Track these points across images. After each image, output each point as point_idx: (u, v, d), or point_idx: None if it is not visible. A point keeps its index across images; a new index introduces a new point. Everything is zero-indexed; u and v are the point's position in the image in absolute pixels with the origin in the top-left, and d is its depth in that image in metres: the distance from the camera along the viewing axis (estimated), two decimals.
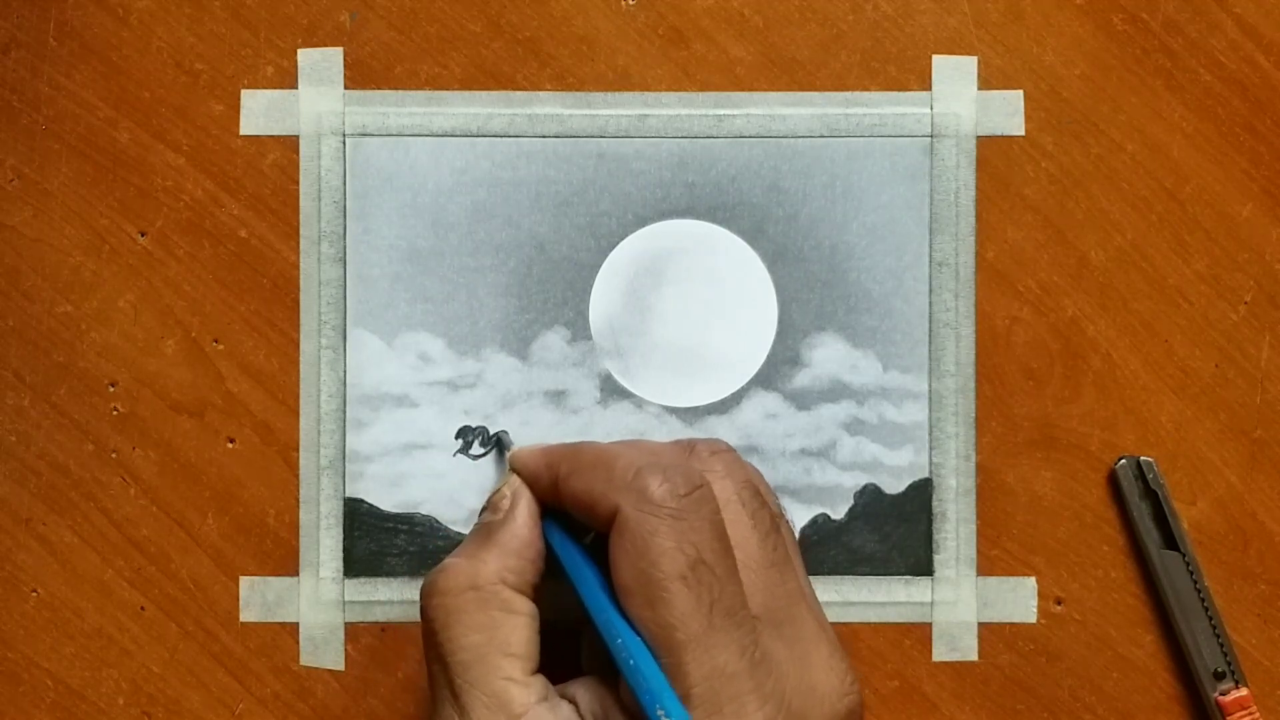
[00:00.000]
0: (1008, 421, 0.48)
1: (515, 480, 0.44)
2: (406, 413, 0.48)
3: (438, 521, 0.48)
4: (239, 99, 0.49)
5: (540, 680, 0.41)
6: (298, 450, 0.48)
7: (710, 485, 0.41)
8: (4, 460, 0.48)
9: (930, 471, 0.48)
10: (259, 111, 0.48)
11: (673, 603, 0.39)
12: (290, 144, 0.49)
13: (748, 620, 0.40)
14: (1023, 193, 0.49)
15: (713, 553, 0.39)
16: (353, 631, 0.48)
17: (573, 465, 0.42)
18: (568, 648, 0.43)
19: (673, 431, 0.48)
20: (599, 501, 0.41)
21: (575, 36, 0.49)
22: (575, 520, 0.43)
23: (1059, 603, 0.48)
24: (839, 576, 0.48)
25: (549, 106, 0.48)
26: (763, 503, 0.42)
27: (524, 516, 0.43)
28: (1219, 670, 0.48)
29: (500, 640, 0.41)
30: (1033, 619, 0.48)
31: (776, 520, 0.42)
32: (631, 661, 0.39)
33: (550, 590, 0.43)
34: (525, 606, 0.42)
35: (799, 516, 0.48)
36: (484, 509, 0.44)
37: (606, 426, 0.48)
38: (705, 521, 0.40)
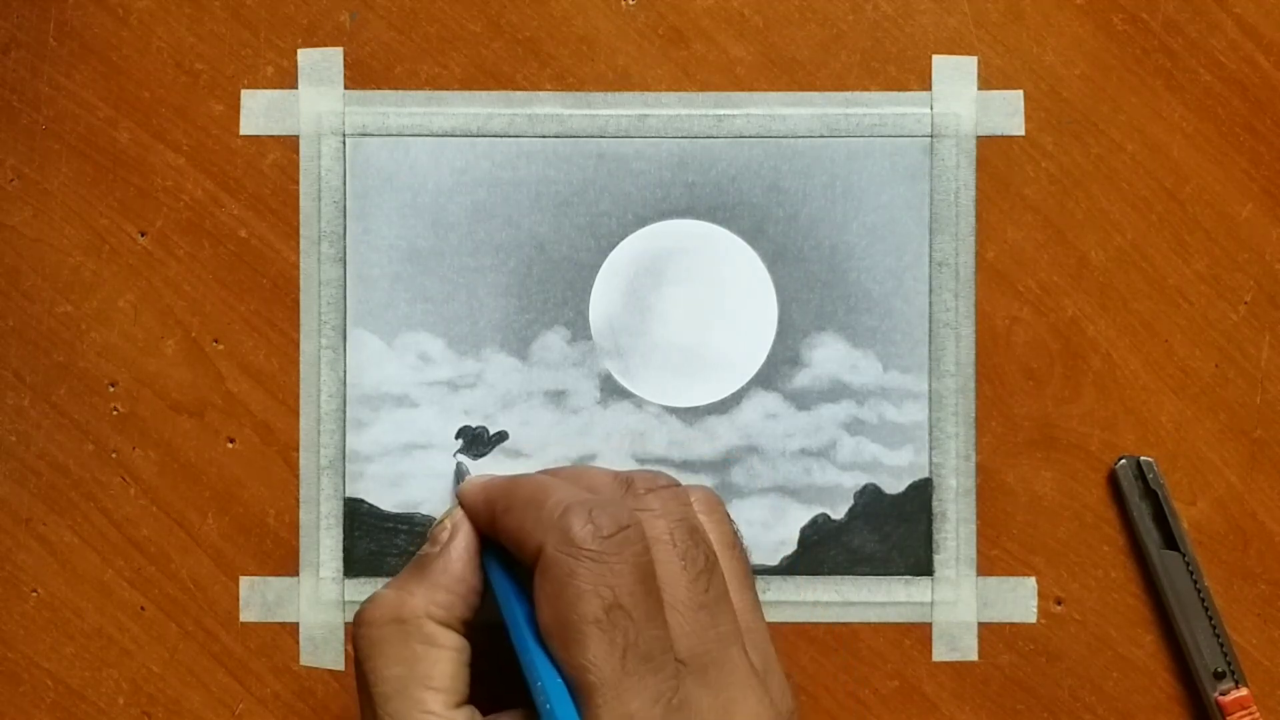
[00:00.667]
0: (1008, 421, 0.48)
1: (458, 513, 0.44)
2: (406, 413, 0.48)
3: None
4: (239, 99, 0.49)
5: (466, 712, 0.41)
6: (298, 450, 0.48)
7: (639, 525, 0.41)
8: (4, 460, 0.48)
9: (930, 471, 0.48)
10: (259, 111, 0.48)
11: (586, 646, 0.39)
12: (290, 144, 0.49)
13: (668, 665, 0.39)
14: (1023, 193, 0.49)
15: (631, 596, 0.39)
16: (352, 632, 0.48)
17: (507, 501, 0.42)
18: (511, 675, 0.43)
19: (673, 431, 0.48)
20: (526, 540, 0.41)
21: (575, 36, 0.49)
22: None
23: (1059, 603, 0.48)
24: (839, 576, 0.48)
25: (549, 106, 0.48)
26: (697, 541, 0.42)
27: (459, 551, 0.43)
28: (1219, 670, 0.48)
29: (421, 674, 0.41)
30: (1033, 619, 0.48)
31: (713, 560, 0.42)
32: (548, 706, 0.39)
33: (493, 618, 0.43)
34: (450, 640, 0.42)
35: (799, 516, 0.48)
36: (426, 539, 0.44)
37: (606, 426, 0.48)
38: (627, 564, 0.39)
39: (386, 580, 0.48)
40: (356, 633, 0.42)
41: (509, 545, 0.42)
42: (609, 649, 0.39)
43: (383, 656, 0.41)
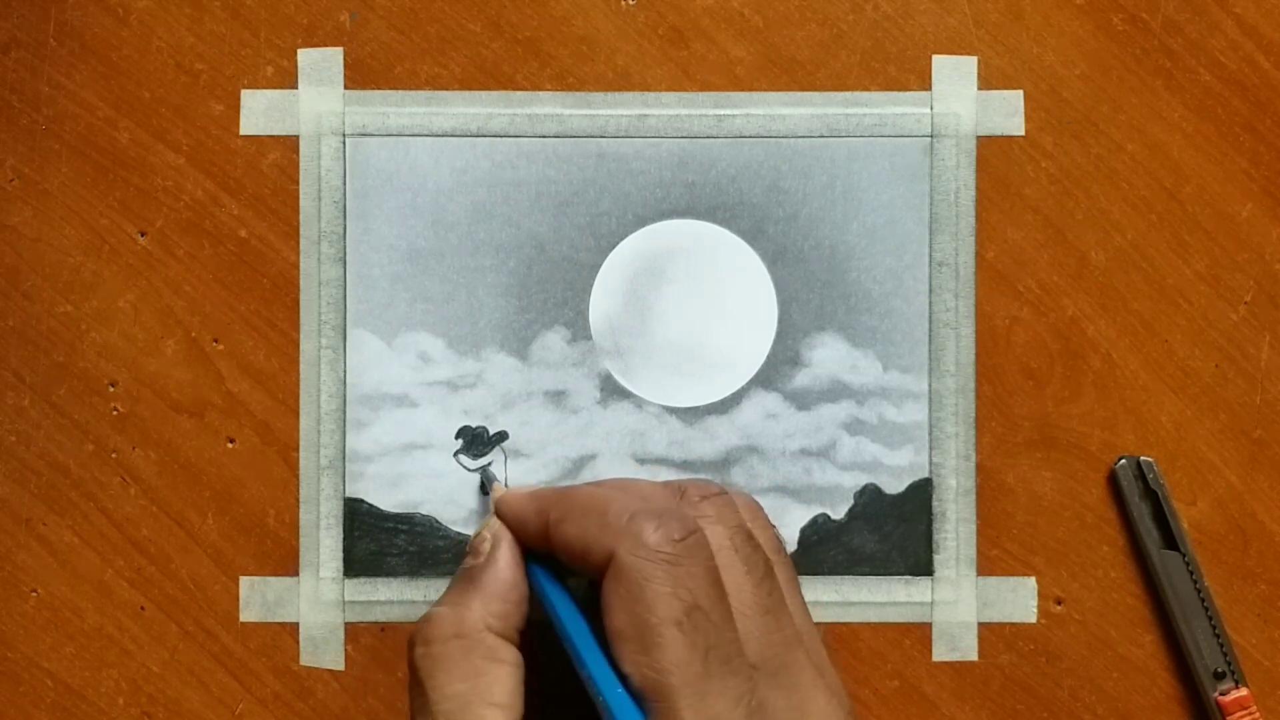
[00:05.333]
0: (1008, 421, 0.48)
1: (495, 523, 0.44)
2: (406, 413, 0.48)
3: (438, 521, 0.48)
4: (239, 99, 0.49)
5: None
6: (298, 450, 0.48)
7: (703, 531, 0.41)
8: (4, 460, 0.48)
9: (930, 471, 0.48)
10: (259, 111, 0.48)
11: (667, 648, 0.38)
12: (290, 144, 0.49)
13: (744, 668, 0.39)
14: (1023, 193, 0.49)
15: (708, 599, 0.39)
16: (353, 631, 0.48)
17: (564, 511, 0.42)
18: (558, 691, 0.43)
19: (673, 431, 0.48)
20: (593, 547, 0.40)
21: (575, 36, 0.49)
22: (559, 565, 0.43)
23: (1059, 603, 0.48)
24: (839, 576, 0.48)
25: (549, 106, 0.48)
26: (755, 547, 0.42)
27: (506, 559, 0.43)
28: (1219, 670, 0.48)
29: (484, 689, 0.41)
30: (1033, 619, 0.48)
31: (770, 565, 0.42)
32: (612, 713, 0.39)
33: (539, 634, 0.43)
34: (510, 655, 0.41)
35: (799, 516, 0.48)
36: (465, 553, 0.44)
37: (606, 426, 0.48)
38: (701, 567, 0.40)
39: (385, 579, 0.48)
40: (416, 653, 0.41)
41: (568, 555, 0.42)
42: (690, 651, 0.38)
43: (446, 674, 0.41)
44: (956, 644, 0.48)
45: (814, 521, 0.48)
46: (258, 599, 0.48)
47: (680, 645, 0.39)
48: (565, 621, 0.42)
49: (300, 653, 0.48)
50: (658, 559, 0.39)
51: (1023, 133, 0.49)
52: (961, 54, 0.49)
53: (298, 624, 0.48)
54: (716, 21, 0.49)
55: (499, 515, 0.44)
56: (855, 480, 0.48)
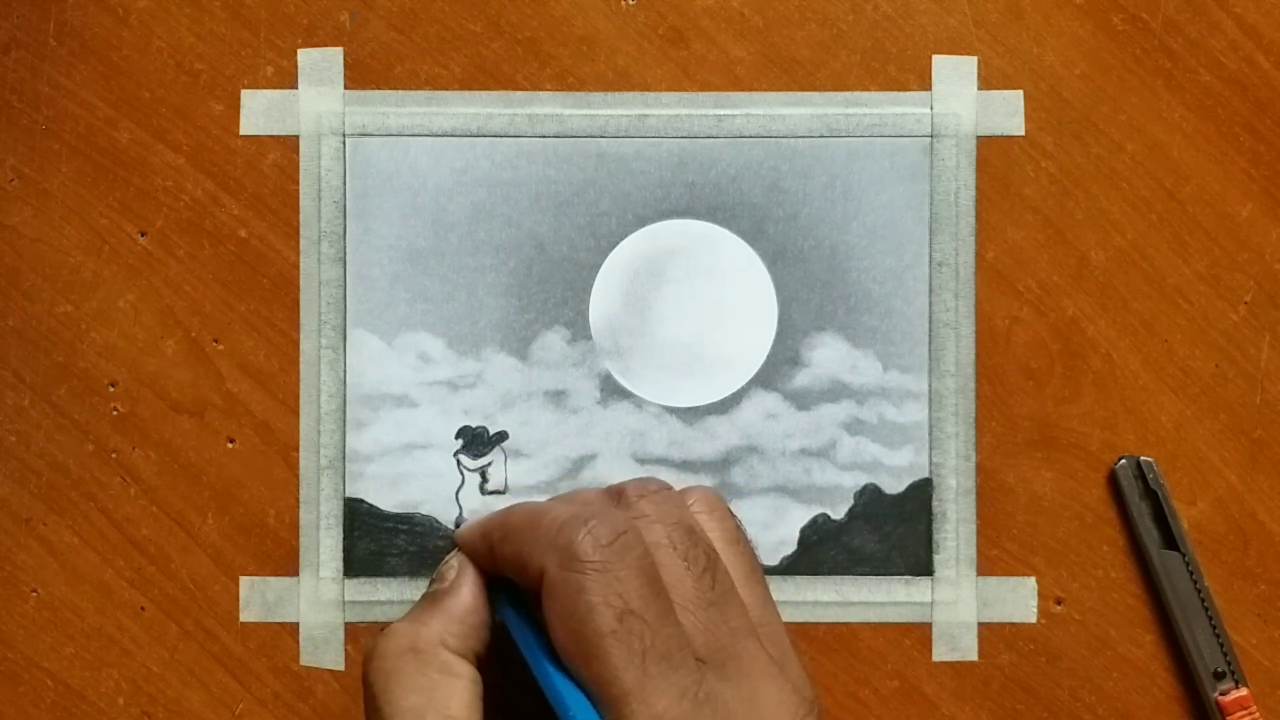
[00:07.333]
0: (1008, 421, 0.48)
1: (461, 555, 0.44)
2: (406, 413, 0.48)
3: (438, 521, 0.48)
4: (239, 99, 0.49)
5: None
6: (298, 450, 0.48)
7: (637, 531, 0.40)
8: (4, 460, 0.48)
9: (930, 471, 0.48)
10: (259, 111, 0.49)
11: (606, 659, 0.38)
12: (290, 144, 0.49)
13: (687, 662, 0.39)
14: (1023, 193, 0.49)
15: (641, 599, 0.39)
16: (353, 631, 0.48)
17: (503, 531, 0.42)
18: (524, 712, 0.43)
19: (673, 431, 0.48)
20: (528, 563, 0.40)
21: (575, 36, 0.49)
22: (526, 592, 0.43)
23: (1059, 603, 0.48)
24: (839, 576, 0.48)
25: (549, 106, 0.48)
26: (695, 542, 0.42)
27: (468, 585, 0.43)
28: (1219, 670, 0.48)
29: (439, 702, 0.40)
30: (1033, 619, 0.48)
31: (714, 558, 0.42)
32: None
33: (505, 657, 0.43)
34: (465, 670, 0.41)
35: (799, 516, 0.48)
36: (432, 579, 0.44)
37: (606, 426, 0.48)
38: (631, 569, 0.39)
39: (385, 579, 0.48)
40: (370, 666, 0.41)
41: (512, 574, 0.42)
42: (628, 656, 0.38)
43: (399, 687, 0.41)
44: (956, 644, 0.48)
45: (814, 521, 0.48)
46: (258, 599, 0.48)
47: (617, 653, 0.38)
48: (523, 644, 0.42)
49: (300, 653, 0.48)
50: (586, 569, 0.39)
51: (1023, 133, 0.49)
52: (961, 54, 0.49)
53: (298, 624, 0.48)
54: (716, 21, 0.49)
55: (457, 545, 0.44)
56: (855, 480, 0.48)
